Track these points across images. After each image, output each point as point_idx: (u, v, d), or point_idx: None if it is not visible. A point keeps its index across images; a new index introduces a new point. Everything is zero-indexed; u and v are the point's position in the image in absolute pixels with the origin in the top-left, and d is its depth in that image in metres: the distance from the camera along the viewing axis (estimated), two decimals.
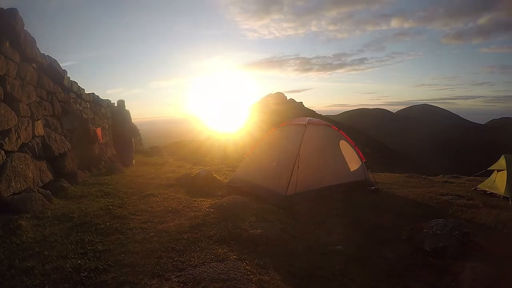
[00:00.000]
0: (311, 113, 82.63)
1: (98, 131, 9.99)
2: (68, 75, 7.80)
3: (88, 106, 9.95)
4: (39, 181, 5.52)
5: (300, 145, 5.88)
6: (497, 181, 6.36)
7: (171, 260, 3.08)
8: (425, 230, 4.11)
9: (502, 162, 6.44)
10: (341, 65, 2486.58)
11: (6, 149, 4.60)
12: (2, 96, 4.61)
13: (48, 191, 5.09)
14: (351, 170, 6.86)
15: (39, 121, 5.87)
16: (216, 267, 2.98)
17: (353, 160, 6.98)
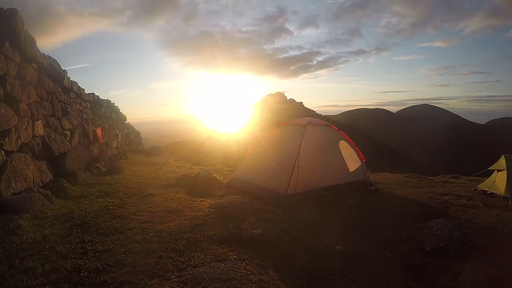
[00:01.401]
0: (311, 112, 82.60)
1: (98, 131, 9.99)
2: (68, 75, 7.79)
3: (88, 106, 9.95)
4: (39, 181, 5.52)
5: (300, 145, 5.87)
6: (497, 181, 6.36)
7: (171, 260, 3.08)
8: (425, 230, 4.12)
9: (502, 162, 6.44)
10: (293, 73, 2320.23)
11: (6, 149, 4.59)
12: (2, 96, 4.61)
13: (48, 191, 5.09)
14: (351, 170, 6.86)
15: (39, 121, 5.87)
16: (216, 267, 2.98)
17: (353, 160, 6.97)
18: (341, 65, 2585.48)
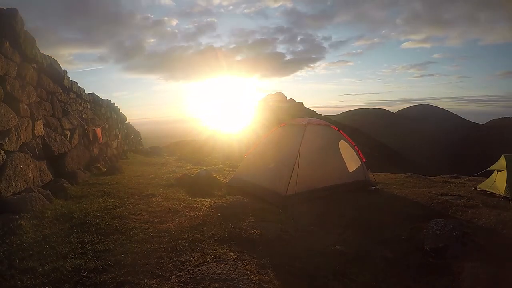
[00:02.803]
0: (311, 113, 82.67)
1: (98, 131, 10.00)
2: (68, 75, 7.79)
3: (88, 106, 9.95)
4: (39, 181, 5.52)
5: (300, 145, 5.87)
6: (497, 181, 6.35)
7: (171, 260, 3.08)
8: (425, 230, 4.12)
9: (502, 162, 6.43)
10: (269, 78, 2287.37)
11: (6, 149, 4.59)
12: (2, 96, 4.60)
13: (48, 191, 5.09)
14: (351, 170, 6.85)
15: (39, 121, 5.87)
16: (216, 267, 2.98)
17: (353, 160, 6.97)
18: (301, 70, 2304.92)
